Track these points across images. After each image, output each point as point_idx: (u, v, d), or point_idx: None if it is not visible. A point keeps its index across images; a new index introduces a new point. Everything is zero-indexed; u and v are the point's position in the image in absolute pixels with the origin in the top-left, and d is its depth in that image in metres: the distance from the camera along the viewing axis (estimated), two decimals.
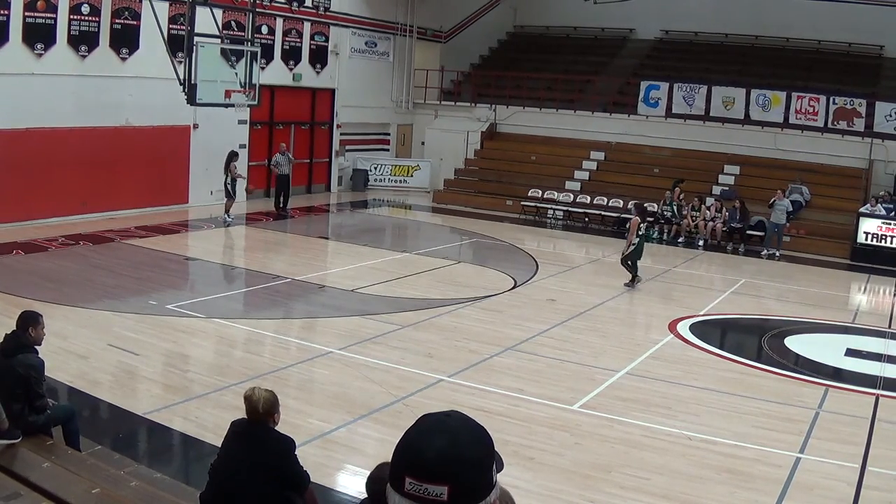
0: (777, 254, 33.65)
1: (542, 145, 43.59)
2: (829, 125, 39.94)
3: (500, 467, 3.02)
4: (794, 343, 21.22)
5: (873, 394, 17.06)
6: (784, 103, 40.54)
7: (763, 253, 33.73)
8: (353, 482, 11.21)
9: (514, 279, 25.14)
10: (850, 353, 20.72)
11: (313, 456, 11.19)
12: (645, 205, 28.02)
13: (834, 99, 40.06)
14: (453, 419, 2.98)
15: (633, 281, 25.13)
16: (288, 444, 8.58)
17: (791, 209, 34.65)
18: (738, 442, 13.76)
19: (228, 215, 31.25)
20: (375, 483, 4.05)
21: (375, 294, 22.25)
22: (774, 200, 33.70)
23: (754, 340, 21.82)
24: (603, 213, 38.52)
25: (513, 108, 44.93)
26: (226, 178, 31.33)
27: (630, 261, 25.09)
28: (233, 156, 31.71)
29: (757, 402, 16.07)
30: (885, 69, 44.71)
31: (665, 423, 14.33)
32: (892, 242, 34.03)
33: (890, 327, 23.56)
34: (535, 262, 28.31)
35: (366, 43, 43.22)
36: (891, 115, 39.22)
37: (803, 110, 40.40)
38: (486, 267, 27.40)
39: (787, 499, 11.81)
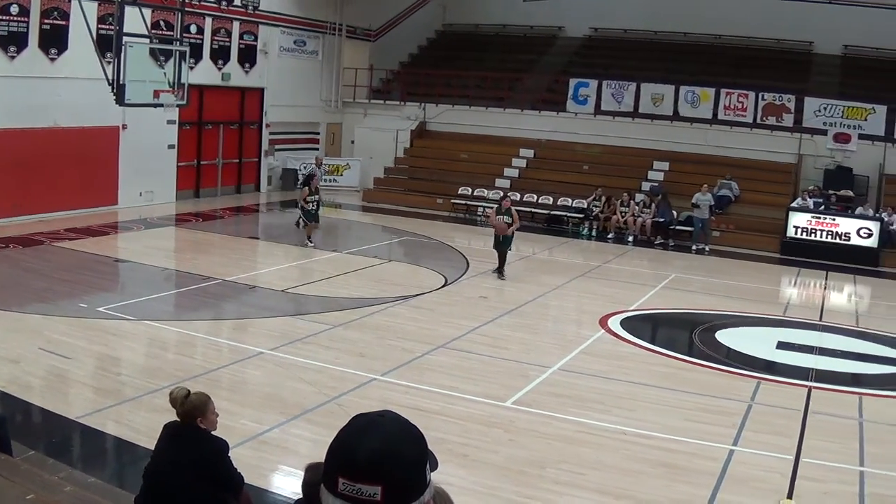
0: (706, 248, 33.97)
1: (472, 143, 43.62)
2: (759, 121, 40.33)
3: (434, 466, 3.03)
4: (726, 337, 21.44)
5: (806, 386, 17.28)
6: (713, 99, 40.91)
7: (693, 248, 34.01)
8: (287, 483, 11.21)
9: (445, 277, 25.19)
10: (782, 345, 20.96)
11: (247, 457, 11.18)
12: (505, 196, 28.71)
13: (763, 95, 40.44)
14: (386, 419, 2.99)
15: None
16: (220, 446, 8.60)
17: (713, 203, 34.99)
18: (672, 436, 13.90)
19: (310, 240, 29.15)
20: (309, 485, 4.13)
21: (306, 294, 22.25)
22: (697, 196, 34.06)
23: (685, 335, 22.02)
24: (533, 210, 38.53)
25: (442, 106, 44.93)
26: (309, 200, 29.14)
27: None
28: (310, 177, 30.14)
29: (690, 395, 16.26)
30: (814, 65, 45.20)
31: (599, 419, 14.42)
32: (821, 236, 34.43)
33: (821, 320, 23.85)
34: (466, 259, 28.38)
35: (295, 42, 43.09)
36: (820, 111, 39.65)
37: (732, 106, 40.74)
38: (417, 265, 27.44)
39: (723, 491, 11.96)
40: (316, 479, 3.06)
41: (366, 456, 2.84)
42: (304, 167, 39.47)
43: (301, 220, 29.78)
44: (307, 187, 29.20)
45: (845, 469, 13.25)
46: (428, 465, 3.00)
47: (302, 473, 5.58)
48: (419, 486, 2.94)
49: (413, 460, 2.93)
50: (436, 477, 3.00)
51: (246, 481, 8.88)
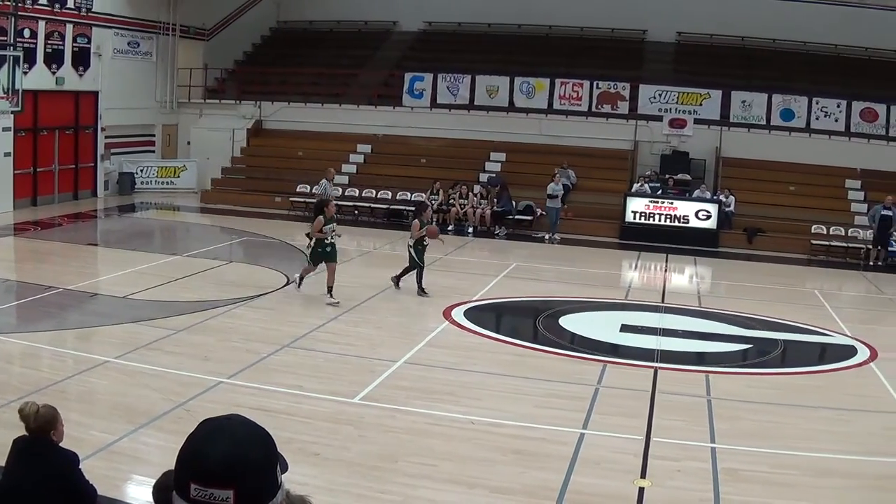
0: (557, 237, 34.41)
1: (309, 140, 43.58)
2: (594, 109, 40.99)
3: (285, 468, 3.05)
4: (569, 322, 21.75)
5: (652, 367, 17.61)
6: (548, 90, 41.46)
7: (546, 238, 34.61)
8: (140, 492, 11.04)
9: (286, 276, 25.06)
10: (626, 328, 21.40)
11: (99, 468, 10.98)
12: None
13: (598, 83, 41.18)
14: (233, 422, 3.01)
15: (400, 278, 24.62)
16: (71, 459, 8.47)
17: (563, 192, 35.47)
18: (522, 423, 14.06)
19: (423, 289, 23.91)
20: (161, 491, 4.09)
21: (148, 299, 21.88)
22: (551, 186, 34.50)
23: (530, 322, 22.28)
24: (372, 205, 38.77)
25: (278, 104, 44.76)
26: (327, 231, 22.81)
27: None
28: (325, 203, 23.65)
29: (537, 382, 16.47)
30: (647, 53, 46.02)
31: (448, 410, 14.54)
32: (660, 220, 35.08)
33: (663, 302, 24.30)
34: (307, 257, 28.29)
35: (128, 43, 42.39)
36: (655, 97, 40.47)
37: (567, 96, 41.34)
38: (257, 265, 27.27)
39: (576, 474, 12.13)
40: (168, 485, 3.04)
41: (215, 460, 2.85)
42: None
43: (307, 262, 23.33)
44: (322, 215, 22.77)
45: (696, 446, 13.59)
46: (278, 467, 3.02)
47: (154, 481, 5.53)
48: (270, 488, 2.96)
49: (262, 462, 2.95)
50: (288, 477, 3.01)
51: (99, 493, 8.75)
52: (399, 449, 12.78)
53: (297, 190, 39.90)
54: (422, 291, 23.66)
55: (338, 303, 21.95)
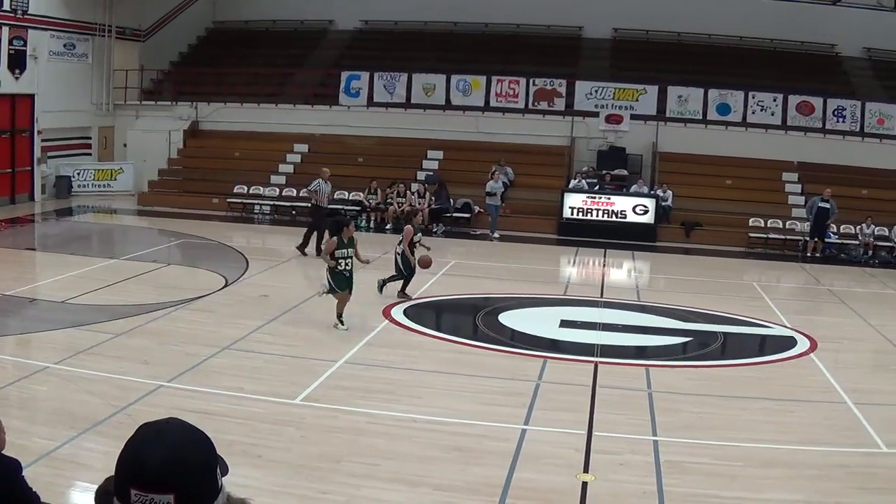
0: (496, 235, 34.52)
1: (246, 140, 43.36)
2: (531, 106, 41.12)
3: (225, 471, 3.04)
4: (509, 319, 21.83)
5: (591, 361, 17.69)
6: (484, 87, 41.58)
7: (491, 234, 34.82)
8: (83, 499, 10.93)
9: (225, 278, 24.92)
10: (565, 324, 21.52)
11: (41, 475, 10.83)
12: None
13: (534, 80, 41.33)
14: (172, 426, 3.00)
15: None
16: (13, 467, 8.38)
17: (503, 190, 35.61)
18: (463, 420, 14.10)
19: (342, 321, 20.37)
20: (103, 497, 4.06)
21: (87, 304, 21.65)
22: (490, 184, 34.63)
23: (469, 319, 22.42)
24: (310, 205, 38.58)
25: (214, 104, 44.52)
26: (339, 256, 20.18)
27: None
28: (343, 224, 20.82)
29: (478, 379, 16.54)
30: (583, 49, 46.28)
31: (389, 408, 14.51)
32: (597, 215, 35.28)
33: (602, 297, 24.41)
34: (245, 258, 28.16)
35: (64, 45, 41.96)
36: (591, 94, 40.69)
37: (504, 93, 41.48)
38: (196, 267, 27.14)
39: (519, 470, 12.15)
40: (110, 491, 3.03)
41: (154, 465, 2.84)
42: (77, 174, 35.44)
43: (326, 287, 20.47)
44: (337, 236, 20.25)
45: (638, 440, 13.67)
46: (218, 470, 3.02)
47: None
48: (211, 491, 2.96)
49: (202, 466, 2.95)
50: (230, 480, 3.00)
51: (42, 500, 8.69)
52: (341, 449, 12.75)
53: (235, 191, 39.83)
54: (380, 290, 23.40)
55: (347, 329, 19.74)
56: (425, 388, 15.88)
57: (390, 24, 48.70)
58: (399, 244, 23.55)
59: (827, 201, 34.70)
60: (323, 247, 21.02)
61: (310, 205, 31.80)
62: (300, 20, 50.39)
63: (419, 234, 24.03)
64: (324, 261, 20.49)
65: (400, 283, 23.69)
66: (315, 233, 29.00)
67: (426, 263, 23.34)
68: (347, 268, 20.05)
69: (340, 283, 19.96)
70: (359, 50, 48.11)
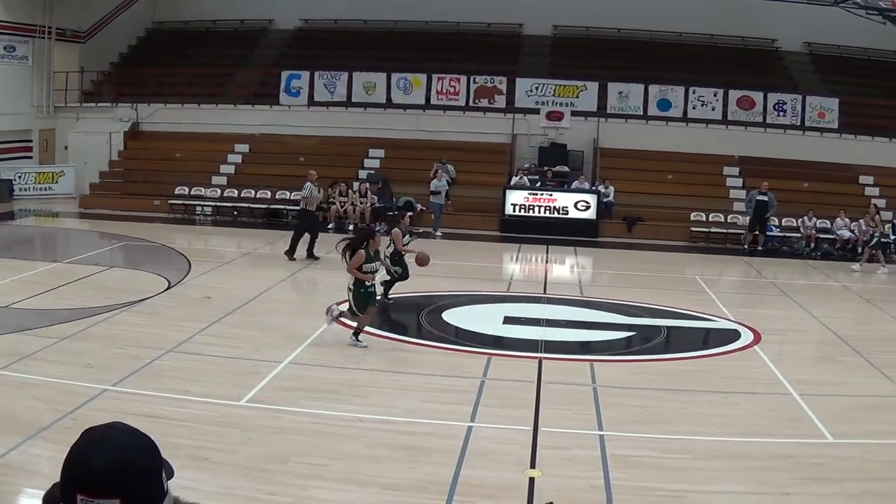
0: (439, 233, 34.56)
1: (187, 141, 43.32)
2: (471, 103, 41.23)
3: (171, 474, 3.04)
4: (453, 316, 21.89)
5: (536, 357, 17.72)
6: (425, 85, 41.66)
7: (434, 233, 34.63)
8: None
9: (168, 280, 24.75)
10: (509, 320, 21.64)
11: None
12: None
13: (475, 78, 41.51)
14: (116, 430, 2.99)
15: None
16: None
17: (446, 188, 35.66)
18: (409, 418, 14.11)
19: (358, 337, 18.88)
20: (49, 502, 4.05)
21: (30, 308, 21.39)
22: (434, 182, 34.70)
23: (413, 318, 22.47)
24: (251, 205, 38.69)
25: (155, 105, 44.34)
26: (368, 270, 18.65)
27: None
28: (369, 235, 19.14)
29: (423, 377, 16.58)
30: (524, 46, 46.46)
31: (335, 408, 14.48)
32: (539, 212, 35.41)
33: (545, 292, 24.49)
34: (188, 260, 27.97)
35: (4, 47, 41.73)
36: (532, 91, 40.87)
37: (445, 91, 41.57)
38: (139, 270, 26.90)
39: (465, 467, 12.16)
40: (56, 497, 3.03)
41: (99, 470, 2.84)
42: (18, 177, 35.04)
43: (337, 312, 19.33)
44: (363, 250, 18.46)
45: (585, 434, 13.76)
46: (164, 474, 3.01)
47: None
48: (157, 495, 2.95)
49: (147, 470, 2.94)
50: (178, 483, 2.99)
51: None
52: (288, 450, 12.69)
53: (176, 192, 39.69)
54: (385, 297, 22.95)
55: (366, 346, 18.47)
56: (371, 388, 15.84)
57: (330, 22, 48.65)
58: (388, 247, 22.89)
59: (765, 194, 35.03)
60: (346, 261, 18.56)
61: (298, 209, 31.34)
62: (240, 20, 50.30)
63: (408, 236, 23.79)
64: (352, 274, 18.41)
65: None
66: (307, 236, 28.85)
67: (423, 261, 22.10)
68: (374, 283, 18.88)
69: (363, 302, 18.48)
70: (299, 49, 48.08)
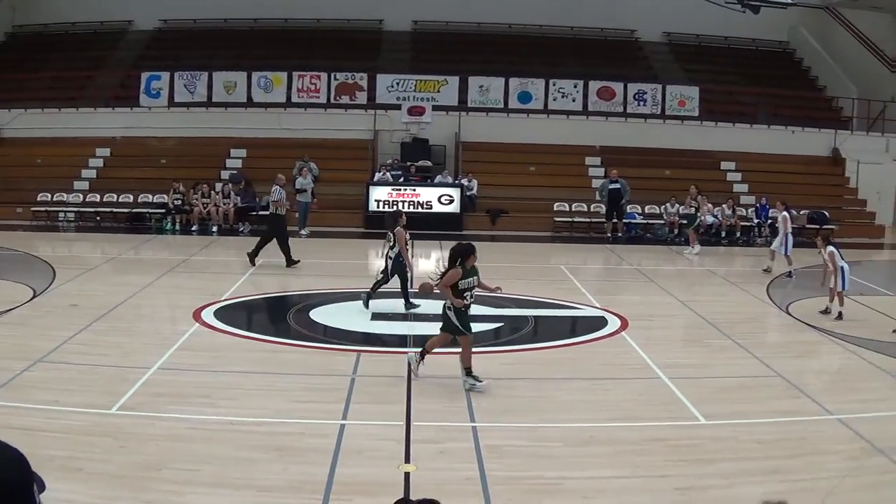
0: (305, 231, 34.51)
1: (47, 147, 42.56)
2: (333, 101, 41.25)
3: (42, 488, 3.02)
4: (320, 315, 21.94)
5: (405, 352, 17.72)
6: (286, 83, 41.61)
7: (301, 233, 34.61)
8: None
9: (33, 289, 24.30)
10: (377, 316, 21.82)
11: None
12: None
13: (336, 75, 41.54)
14: None
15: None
16: None
17: (312, 186, 35.64)
18: (281, 419, 14.08)
19: (474, 377, 16.17)
20: None
21: None
22: (300, 181, 34.64)
23: (281, 317, 22.52)
24: (115, 210, 38.29)
25: (15, 111, 43.52)
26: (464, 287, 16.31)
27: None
28: (468, 252, 16.79)
29: (292, 377, 16.62)
30: (384, 42, 46.65)
31: (205, 412, 14.42)
32: (402, 207, 35.41)
33: (412, 288, 24.54)
34: (53, 268, 27.52)
35: None
36: (392, 86, 41.07)
37: (305, 88, 41.58)
38: (2, 280, 26.49)
39: (340, 466, 12.18)
40: None
41: None
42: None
43: (451, 328, 16.30)
44: (460, 266, 16.35)
45: (457, 427, 13.91)
46: (35, 487, 3.00)
47: None
48: None
49: (17, 484, 2.93)
50: (50, 495, 3.00)
51: None
52: (161, 456, 12.57)
53: (38, 199, 39.02)
54: (368, 299, 22.52)
55: (485, 384, 15.80)
56: (240, 390, 15.75)
57: (189, 22, 48.34)
58: (392, 248, 22.57)
59: (616, 182, 35.61)
60: (439, 279, 16.72)
61: (268, 213, 30.17)
62: (99, 21, 49.73)
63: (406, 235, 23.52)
64: (448, 297, 16.23)
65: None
66: (276, 241, 28.29)
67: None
68: (472, 299, 16.56)
69: (465, 321, 16.17)
70: (158, 50, 47.76)
